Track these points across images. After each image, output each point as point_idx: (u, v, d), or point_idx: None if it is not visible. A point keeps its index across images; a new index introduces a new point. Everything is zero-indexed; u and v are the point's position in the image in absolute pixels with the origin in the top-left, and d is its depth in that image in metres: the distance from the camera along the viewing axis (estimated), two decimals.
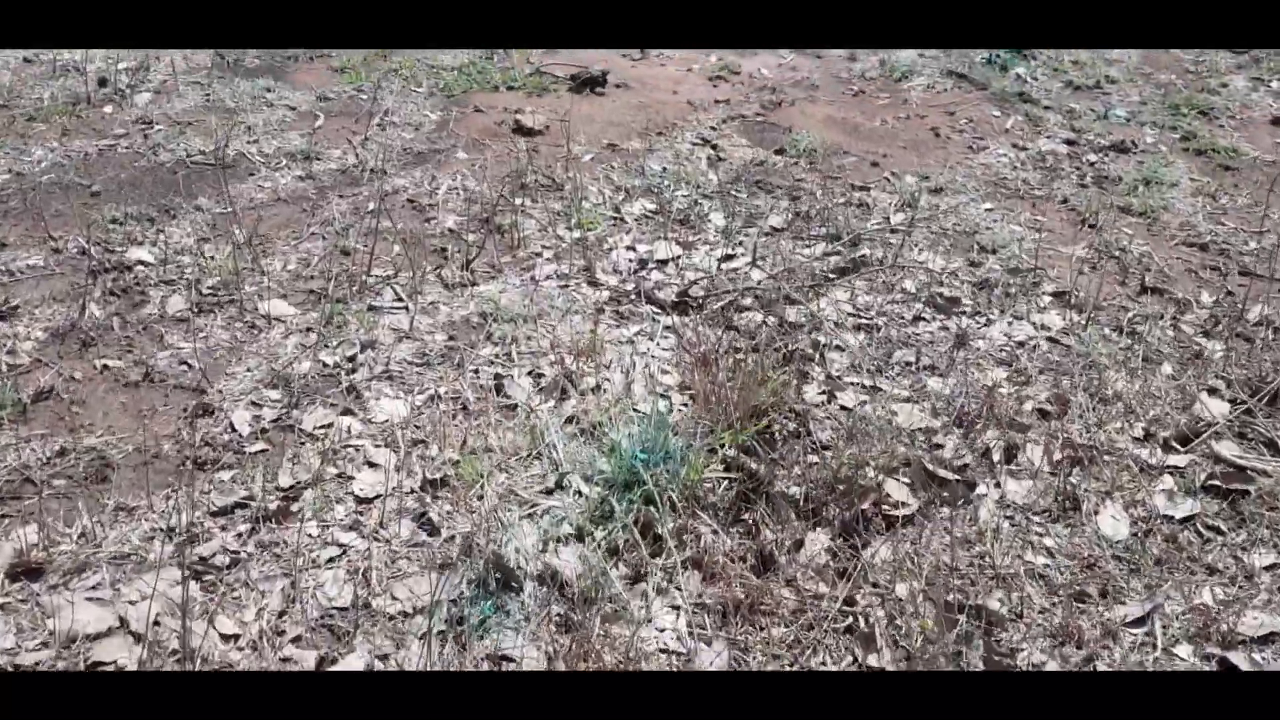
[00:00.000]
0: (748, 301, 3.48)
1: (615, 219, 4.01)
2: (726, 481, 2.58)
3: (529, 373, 3.03)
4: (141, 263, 3.48)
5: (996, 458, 2.82)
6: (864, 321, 3.44)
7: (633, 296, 3.47)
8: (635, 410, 2.86)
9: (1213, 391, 3.12)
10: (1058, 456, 2.84)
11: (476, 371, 3.03)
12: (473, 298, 3.40)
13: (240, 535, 2.43)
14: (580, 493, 2.56)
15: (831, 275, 3.68)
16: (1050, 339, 3.42)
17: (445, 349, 3.12)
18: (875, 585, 2.37)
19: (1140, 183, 4.57)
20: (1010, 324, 3.49)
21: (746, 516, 2.54)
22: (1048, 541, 2.56)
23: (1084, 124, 5.21)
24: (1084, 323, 3.49)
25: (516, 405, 2.88)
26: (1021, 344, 3.38)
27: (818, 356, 3.22)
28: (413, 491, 2.57)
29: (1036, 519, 2.63)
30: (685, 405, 2.93)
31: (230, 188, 4.02)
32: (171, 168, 4.17)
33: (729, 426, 2.70)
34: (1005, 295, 3.64)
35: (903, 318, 3.49)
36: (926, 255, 3.85)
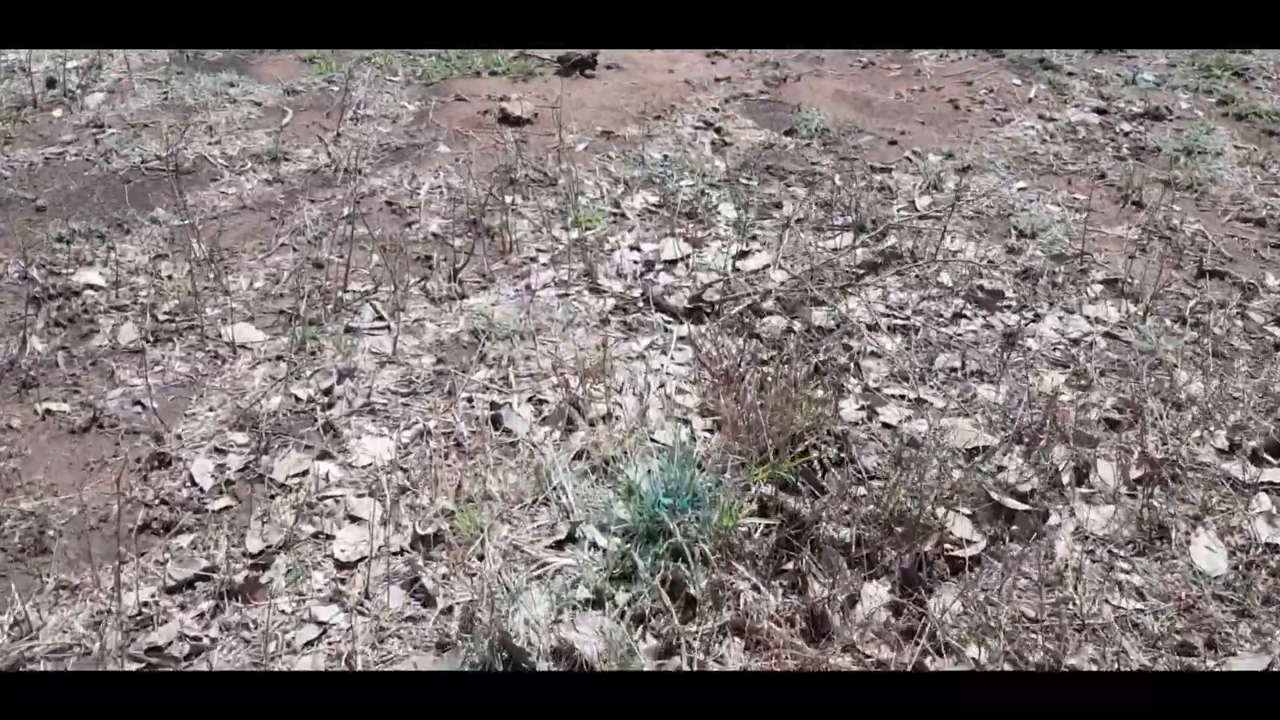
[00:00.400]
0: (769, 305, 3.12)
1: (615, 215, 3.65)
2: (763, 525, 2.23)
3: (529, 399, 2.67)
4: (91, 286, 3.10)
5: (1066, 479, 2.47)
6: (899, 322, 3.08)
7: (640, 304, 3.11)
8: (653, 440, 2.50)
9: None
10: (1135, 474, 2.50)
11: (470, 400, 2.67)
12: (462, 313, 3.03)
13: (202, 615, 2.07)
14: (596, 545, 2.21)
15: (859, 270, 3.32)
16: (1107, 334, 3.07)
17: (433, 374, 2.76)
18: (947, 648, 2.03)
19: (1181, 153, 4.21)
20: (1061, 318, 3.13)
21: (790, 566, 2.19)
22: (1136, 580, 2.22)
23: (1112, 90, 4.85)
24: (1142, 314, 3.14)
25: (517, 440, 2.52)
26: (1076, 341, 3.03)
27: (852, 366, 2.87)
28: (401, 551, 2.22)
29: (1120, 552, 2.29)
30: (709, 433, 2.57)
31: (189, 196, 3.64)
32: (125, 175, 3.79)
33: (762, 459, 2.35)
34: (1052, 285, 3.29)
35: (941, 316, 3.14)
36: (961, 244, 3.49)
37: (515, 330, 2.91)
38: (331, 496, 2.36)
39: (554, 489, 2.33)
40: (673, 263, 3.34)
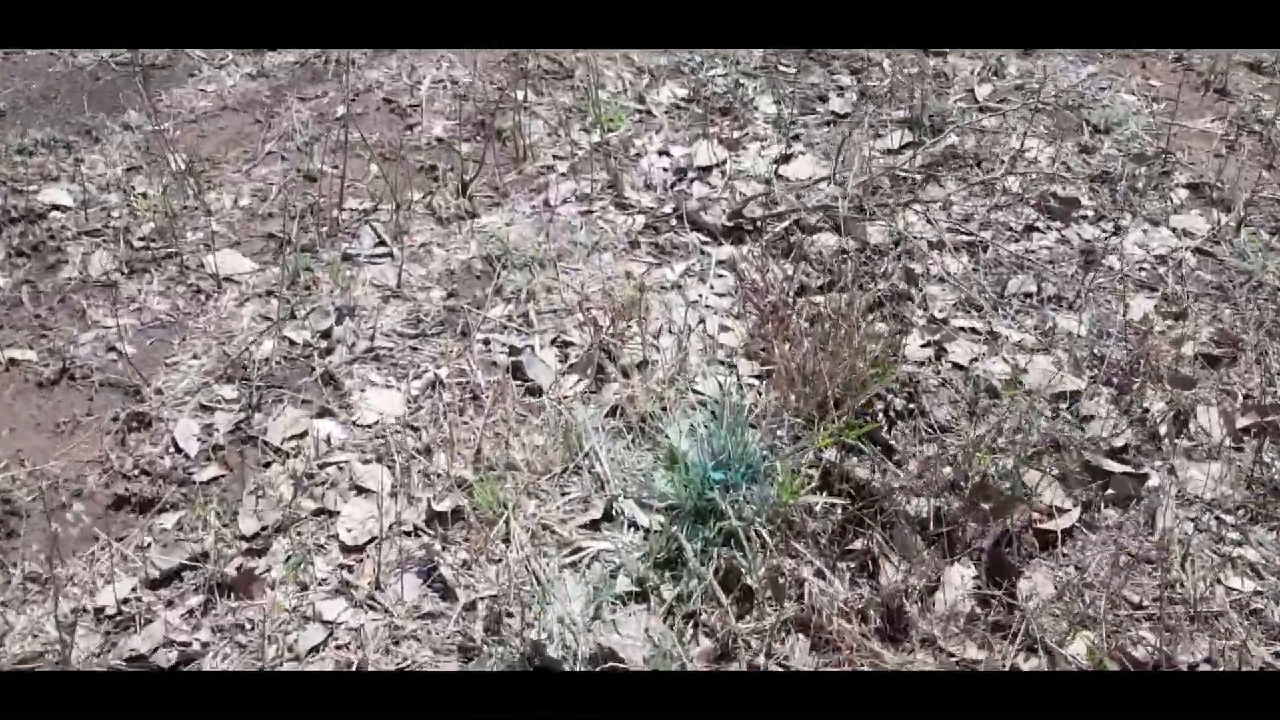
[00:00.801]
0: (817, 219, 2.77)
1: (640, 113, 3.26)
2: (829, 503, 1.95)
3: (553, 341, 2.36)
4: (57, 207, 2.77)
5: (1164, 429, 2.18)
6: (965, 238, 2.74)
7: (673, 221, 2.77)
8: (695, 392, 2.21)
9: None
10: (1241, 423, 2.20)
11: (486, 343, 2.37)
12: (474, 235, 2.70)
13: (190, 614, 1.82)
14: (636, 525, 1.94)
15: (917, 175, 2.96)
16: (1198, 250, 2.73)
17: (444, 312, 2.45)
18: (1042, 645, 1.77)
19: None
20: (1146, 231, 2.79)
21: (858, 544, 1.92)
22: (1250, 554, 1.95)
23: None
24: (1235, 225, 2.79)
25: (542, 392, 2.22)
26: (1163, 259, 2.70)
27: (915, 293, 2.55)
28: (415, 531, 1.95)
29: (1229, 519, 2.01)
30: (757, 379, 2.27)
31: (164, 95, 3.26)
32: (93, 72, 3.40)
33: (822, 414, 2.05)
34: (1132, 191, 2.93)
35: (1011, 229, 2.80)
36: (1029, 142, 3.11)
37: (534, 257, 2.58)
38: (334, 463, 2.08)
39: (585, 455, 2.05)
40: (707, 170, 2.98)
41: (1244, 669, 1.71)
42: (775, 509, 1.87)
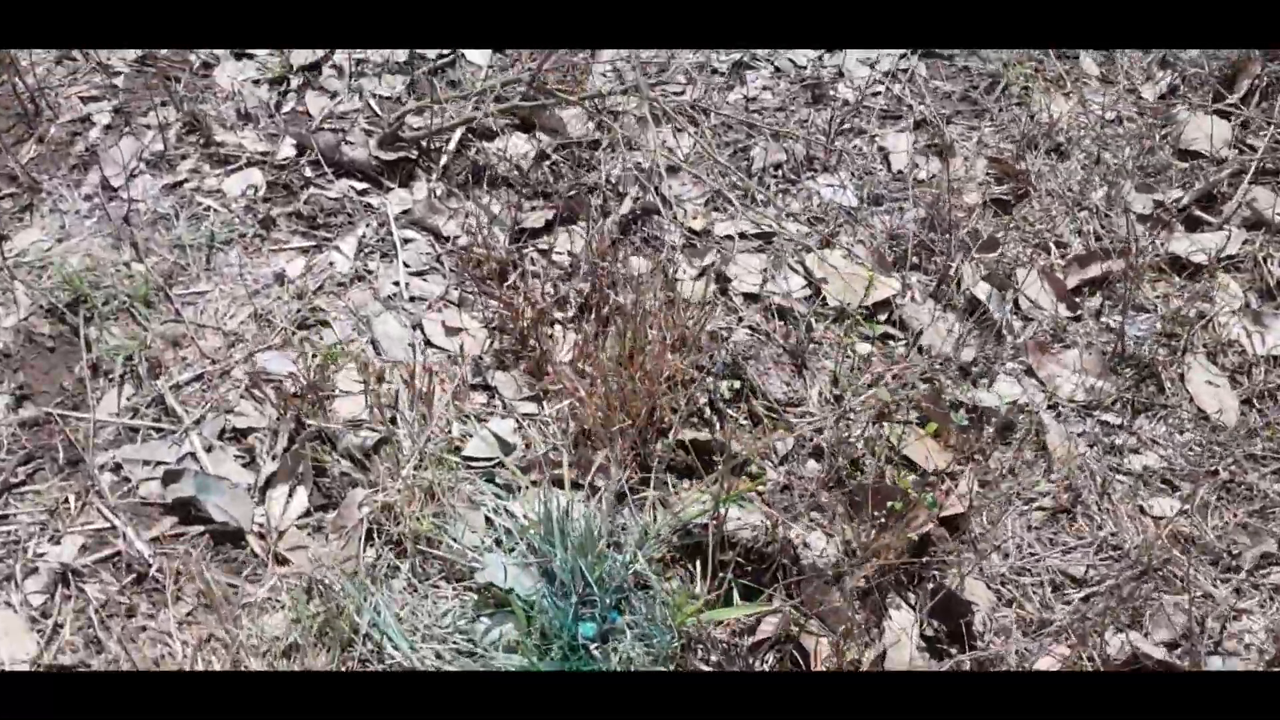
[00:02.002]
0: (486, 113, 2.06)
1: None
2: (730, 597, 1.44)
3: (222, 434, 1.57)
4: None
5: (997, 314, 1.85)
6: (675, 99, 2.16)
7: (305, 168, 1.96)
8: (466, 464, 1.55)
9: None
10: (1070, 283, 1.91)
11: (119, 469, 1.53)
12: (11, 276, 1.74)
13: None
14: None
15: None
16: (924, 53, 2.34)
17: (22, 436, 1.56)
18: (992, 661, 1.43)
19: None
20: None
21: (771, 628, 1.44)
22: (1151, 459, 1.70)
23: None
24: None
25: (242, 535, 1.47)
26: (891, 74, 2.29)
27: (657, 200, 1.97)
28: None
29: (1113, 419, 1.74)
30: (533, 402, 1.65)
31: None
32: None
33: (650, 433, 1.50)
34: None
35: (719, 73, 2.26)
36: None
37: (130, 292, 1.70)
38: None
39: (365, 638, 1.36)
40: (315, 68, 2.13)
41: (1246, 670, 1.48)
42: (669, 651, 1.34)
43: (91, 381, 1.60)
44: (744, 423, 1.66)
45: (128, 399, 1.59)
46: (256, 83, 2.09)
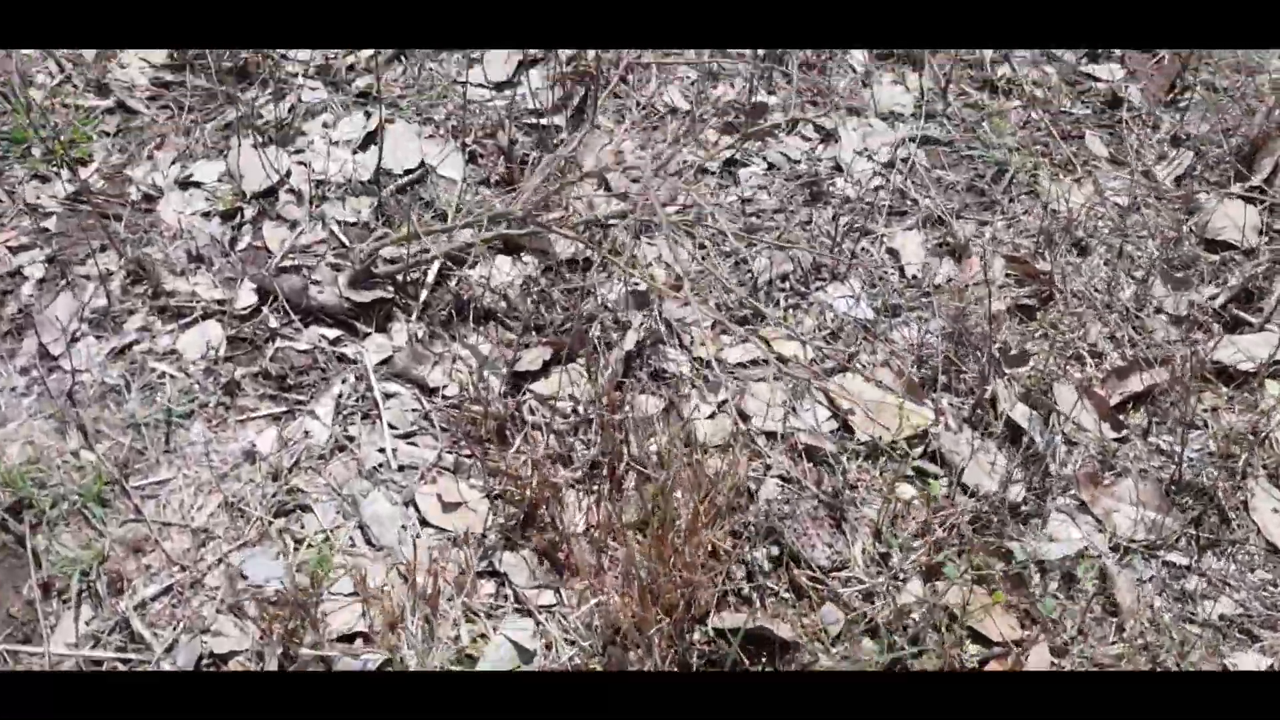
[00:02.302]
0: (469, 239, 1.88)
1: (121, 113, 2.06)
2: None
3: (195, 663, 1.37)
4: None
5: (1040, 443, 1.70)
6: (673, 206, 2.00)
7: (269, 318, 1.76)
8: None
9: None
10: (1113, 399, 1.78)
11: None
12: None
13: None
14: None
15: (557, 126, 2.12)
16: (924, 139, 2.20)
17: None
18: None
19: None
20: (853, 129, 2.21)
21: None
22: (1226, 607, 1.56)
23: None
24: (941, 90, 2.29)
25: None
26: (892, 164, 2.14)
27: (658, 325, 1.81)
28: None
29: (1180, 560, 1.60)
30: (553, 595, 1.47)
31: None
32: None
33: (687, 624, 1.33)
34: (805, 69, 2.32)
35: (709, 171, 2.10)
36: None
37: (81, 491, 1.49)
38: None
39: None
40: (270, 194, 1.94)
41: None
42: None
43: (43, 604, 1.39)
44: (786, 595, 1.50)
45: (86, 623, 1.38)
46: (206, 215, 1.89)
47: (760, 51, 2.30)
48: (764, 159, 2.14)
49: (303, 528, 1.50)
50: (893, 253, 1.99)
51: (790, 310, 1.89)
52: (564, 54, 2.23)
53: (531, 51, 2.27)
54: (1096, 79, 2.33)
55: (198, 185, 1.94)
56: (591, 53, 2.22)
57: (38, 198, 1.87)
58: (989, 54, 2.35)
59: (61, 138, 1.95)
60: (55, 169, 1.91)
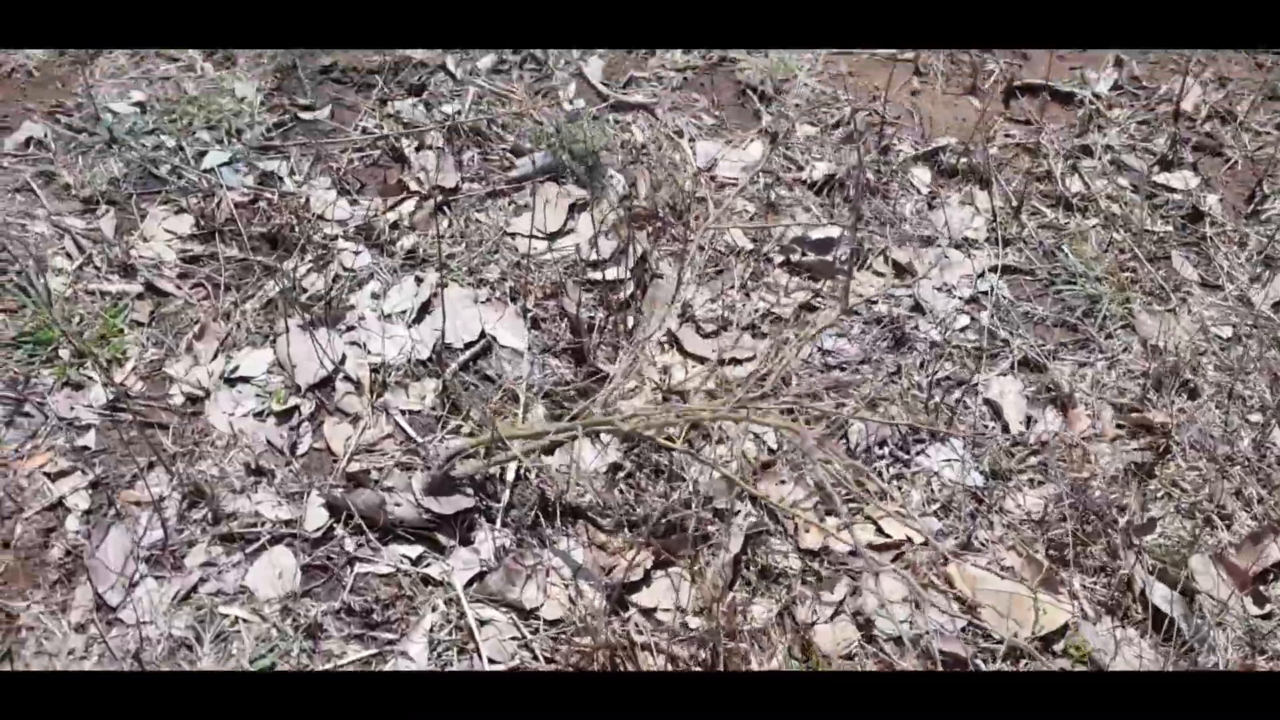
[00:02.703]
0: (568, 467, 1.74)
1: None
2: None
3: None
4: None
5: (1186, 630, 1.58)
6: (746, 382, 1.87)
7: (340, 536, 1.60)
8: None
9: None
10: (1253, 569, 1.66)
11: None
12: None
13: None
14: None
15: (609, 279, 1.99)
16: (1005, 268, 2.09)
17: None
18: None
19: None
20: (930, 261, 2.09)
21: None
22: None
23: None
24: (1013, 211, 2.19)
25: None
26: (974, 299, 2.03)
27: (761, 512, 1.67)
28: None
29: None
30: None
31: None
32: None
33: None
34: (869, 195, 2.20)
35: (780, 318, 1.98)
36: (705, 144, 2.23)
37: None
38: None
39: None
40: (325, 385, 1.78)
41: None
42: None
43: None
44: None
45: None
46: (259, 415, 1.73)
47: (818, 179, 2.18)
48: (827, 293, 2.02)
49: None
50: (990, 404, 1.87)
51: (893, 480, 1.76)
52: (614, 197, 2.10)
53: (577, 193, 2.13)
54: (1172, 189, 2.23)
55: (246, 380, 1.78)
56: (643, 192, 2.10)
57: (72, 409, 1.71)
58: (1059, 167, 2.24)
59: (89, 334, 1.79)
60: (87, 374, 1.75)
